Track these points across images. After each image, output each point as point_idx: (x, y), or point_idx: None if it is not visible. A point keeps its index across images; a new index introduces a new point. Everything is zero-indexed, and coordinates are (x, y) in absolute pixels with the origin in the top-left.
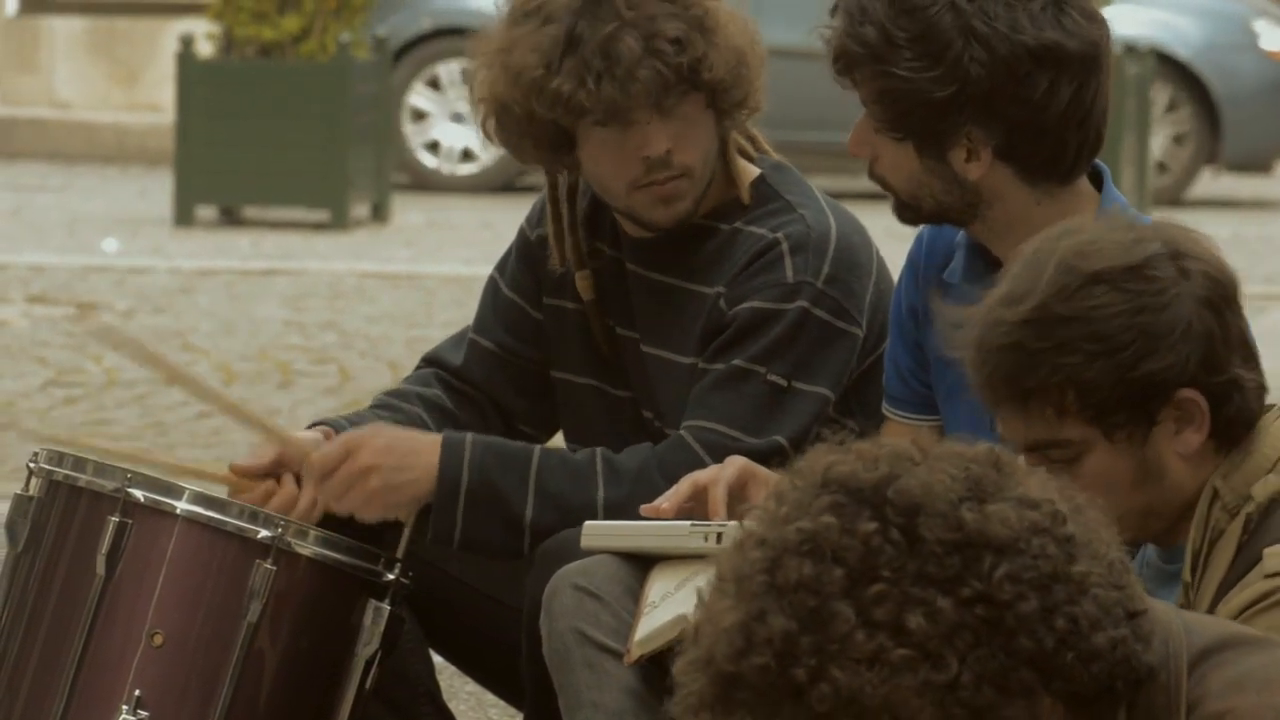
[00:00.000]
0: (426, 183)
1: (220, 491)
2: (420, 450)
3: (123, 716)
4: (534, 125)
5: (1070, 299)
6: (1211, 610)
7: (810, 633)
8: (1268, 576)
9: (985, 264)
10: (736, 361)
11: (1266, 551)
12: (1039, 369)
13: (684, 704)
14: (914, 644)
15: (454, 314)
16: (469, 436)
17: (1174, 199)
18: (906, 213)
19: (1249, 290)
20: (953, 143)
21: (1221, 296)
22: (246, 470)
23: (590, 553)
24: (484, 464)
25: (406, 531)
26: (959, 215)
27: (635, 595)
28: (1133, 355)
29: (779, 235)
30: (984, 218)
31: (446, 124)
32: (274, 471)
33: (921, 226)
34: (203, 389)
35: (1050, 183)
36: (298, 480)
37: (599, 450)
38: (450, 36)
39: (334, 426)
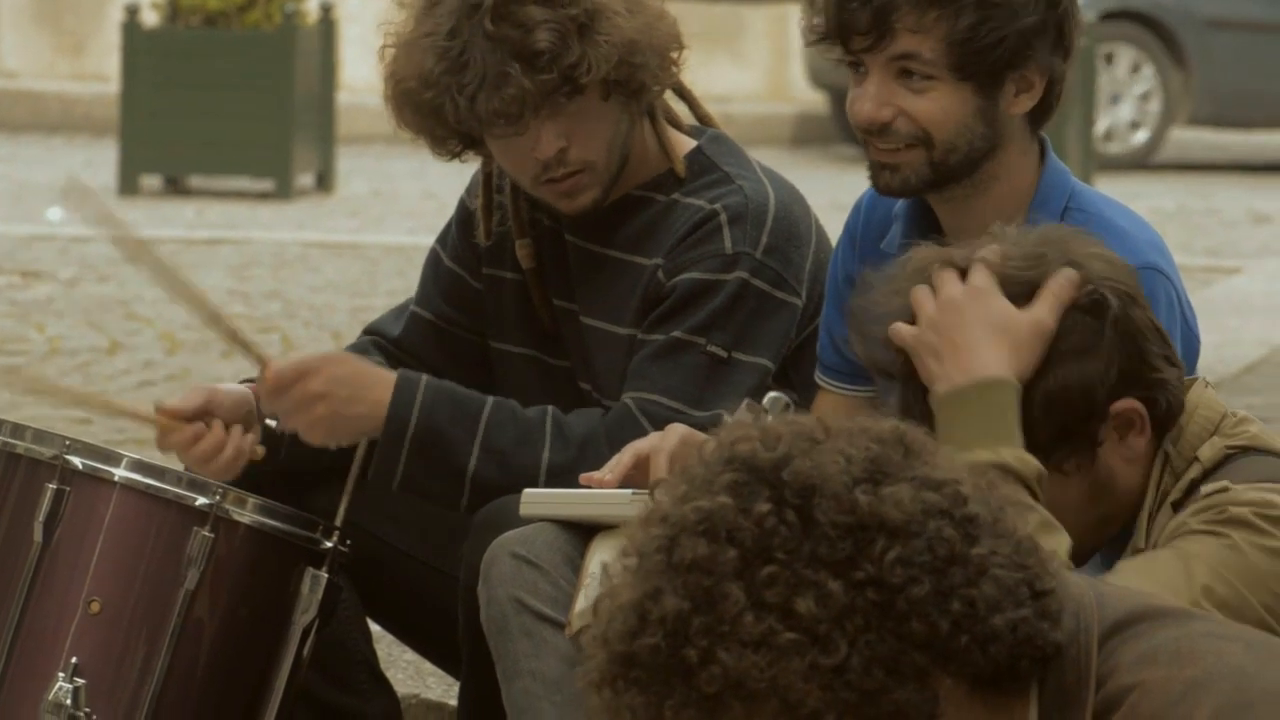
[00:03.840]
0: None
1: (149, 433)
2: (374, 385)
3: (59, 684)
4: (437, 124)
5: None
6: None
7: (702, 614)
8: (1204, 495)
9: (923, 234)
10: (676, 333)
11: (1204, 488)
12: None
13: (587, 677)
14: (802, 627)
15: (397, 284)
16: (424, 378)
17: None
18: (925, 173)
19: (1191, 263)
20: (1009, 77)
21: (1129, 297)
22: (173, 411)
23: (529, 521)
24: (434, 410)
25: (345, 499)
26: (974, 166)
27: (574, 564)
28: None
29: (717, 206)
30: (983, 169)
31: None
32: (201, 415)
33: (861, 195)
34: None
35: (1040, 125)
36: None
37: (550, 409)
38: None
39: None
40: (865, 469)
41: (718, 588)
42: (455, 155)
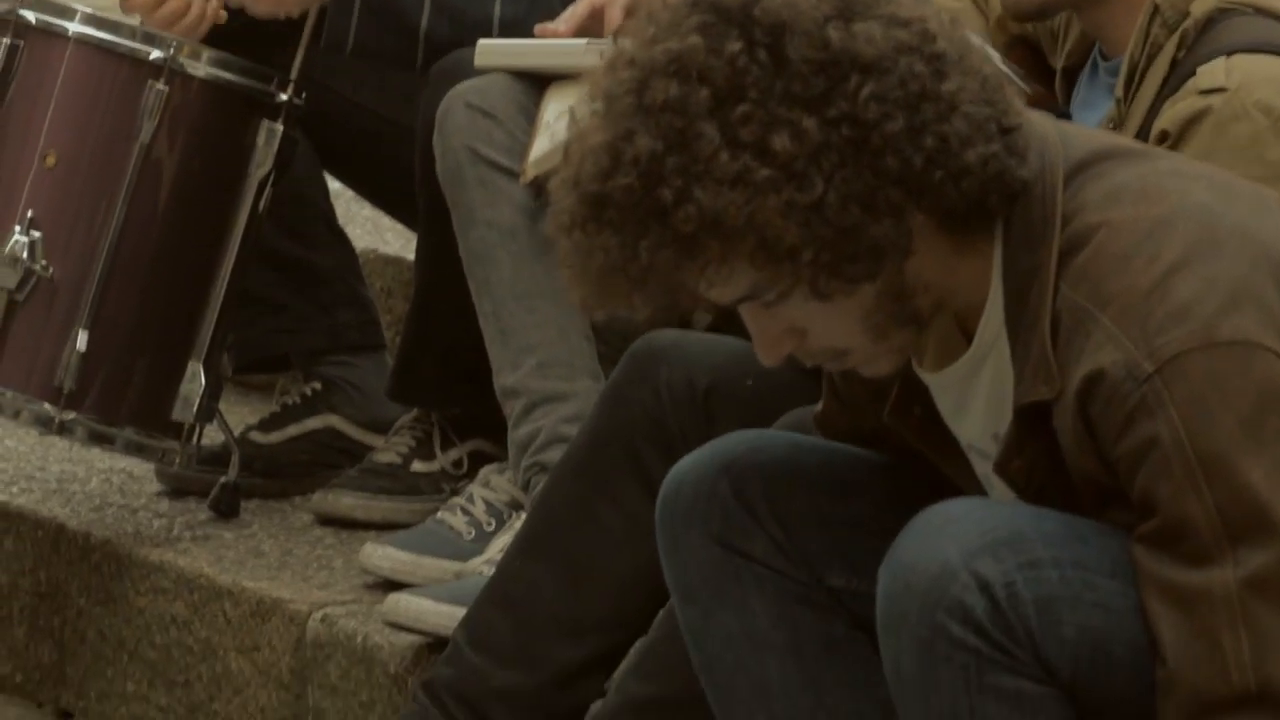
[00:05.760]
0: None
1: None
2: None
3: (16, 237)
4: None
5: None
6: (1144, 128)
7: (676, 153)
8: (1201, 93)
9: None
10: None
11: (1200, 69)
12: None
13: (556, 222)
14: (779, 164)
15: None
16: None
17: None
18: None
19: None
20: None
21: None
22: None
23: (484, 72)
24: None
25: (300, 51)
26: None
27: (529, 114)
28: None
29: None
30: None
31: None
32: None
33: None
34: None
35: None
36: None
37: None
38: None
39: None
40: (835, 6)
41: (692, 127)
42: None
